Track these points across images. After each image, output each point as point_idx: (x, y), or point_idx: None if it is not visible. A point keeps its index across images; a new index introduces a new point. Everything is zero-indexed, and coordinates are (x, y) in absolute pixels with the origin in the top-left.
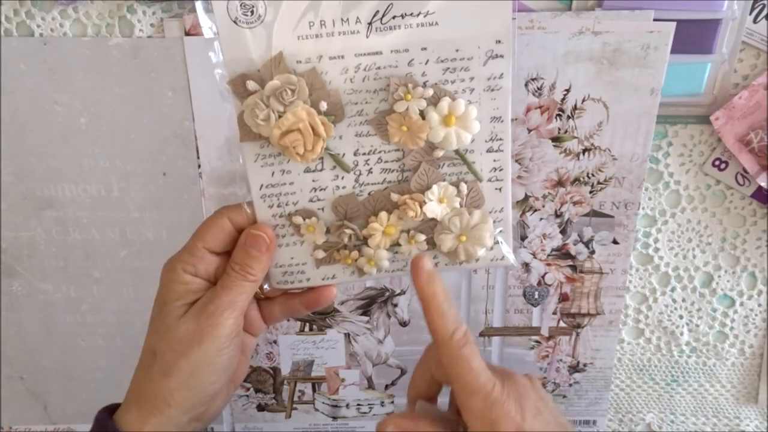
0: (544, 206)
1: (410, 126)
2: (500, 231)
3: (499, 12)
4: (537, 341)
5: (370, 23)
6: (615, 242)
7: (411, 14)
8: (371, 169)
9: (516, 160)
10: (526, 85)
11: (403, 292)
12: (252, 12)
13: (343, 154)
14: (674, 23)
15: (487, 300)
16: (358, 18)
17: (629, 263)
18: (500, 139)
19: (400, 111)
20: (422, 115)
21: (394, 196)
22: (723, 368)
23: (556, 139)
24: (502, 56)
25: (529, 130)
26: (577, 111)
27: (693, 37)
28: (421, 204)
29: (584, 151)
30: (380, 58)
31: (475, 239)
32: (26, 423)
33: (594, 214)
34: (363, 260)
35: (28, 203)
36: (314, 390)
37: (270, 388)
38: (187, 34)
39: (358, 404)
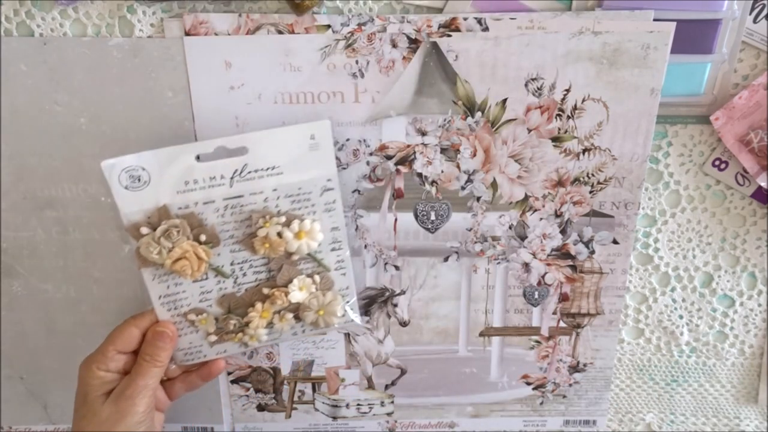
0: (544, 206)
1: (271, 244)
2: (348, 302)
3: (326, 164)
4: (537, 341)
5: (232, 177)
6: (615, 242)
7: (261, 169)
8: (245, 272)
9: (516, 160)
10: (526, 85)
11: (403, 292)
12: (139, 180)
13: (223, 265)
14: (674, 23)
15: (487, 300)
16: (222, 175)
17: (629, 263)
18: (340, 241)
19: (262, 235)
20: (279, 234)
21: (265, 290)
22: (723, 368)
23: (556, 139)
24: (333, 189)
25: (529, 130)
26: (577, 111)
27: (693, 37)
28: (287, 294)
29: (584, 151)
30: (242, 199)
31: (330, 312)
32: (26, 423)
33: (594, 214)
34: (246, 337)
35: (28, 203)
36: (314, 390)
37: (270, 388)
38: (187, 34)
39: (358, 404)
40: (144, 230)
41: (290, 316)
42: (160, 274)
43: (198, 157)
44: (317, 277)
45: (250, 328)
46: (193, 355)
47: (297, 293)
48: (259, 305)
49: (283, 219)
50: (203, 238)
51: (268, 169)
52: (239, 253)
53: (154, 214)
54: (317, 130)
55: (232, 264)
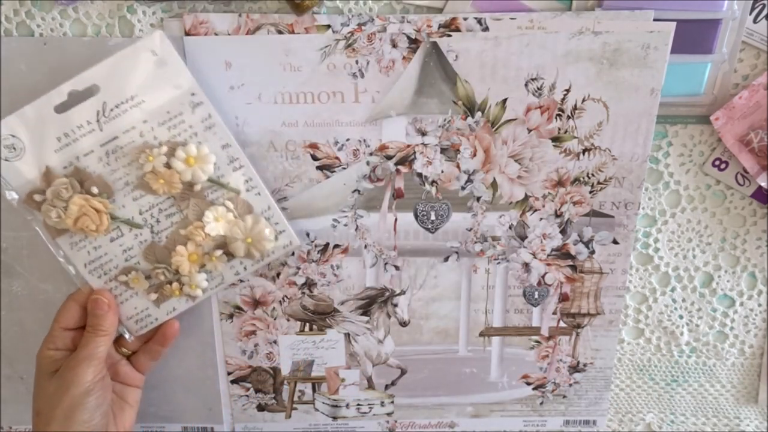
0: (544, 206)
1: (164, 177)
2: (277, 224)
3: (182, 78)
4: (537, 341)
5: (98, 120)
6: (615, 242)
7: (121, 103)
8: (158, 219)
9: (516, 160)
10: (526, 85)
11: (403, 292)
12: (14, 148)
13: (132, 217)
14: (674, 23)
15: (487, 300)
16: (88, 121)
17: (629, 263)
18: (237, 158)
19: (149, 170)
20: (169, 165)
21: (182, 231)
22: (723, 368)
23: (556, 139)
24: (201, 103)
25: (529, 130)
26: (577, 111)
27: (693, 37)
28: (203, 228)
29: (584, 151)
30: (118, 140)
31: (259, 238)
32: (26, 423)
33: (594, 214)
34: (187, 287)
35: None
36: (314, 390)
37: (270, 388)
38: (187, 34)
39: (358, 404)
40: (37, 197)
41: (219, 252)
42: (75, 240)
43: (59, 110)
44: (229, 203)
45: (184, 275)
46: (144, 321)
47: (213, 224)
48: (181, 248)
49: (164, 149)
50: (95, 190)
51: (127, 101)
52: (143, 200)
53: (42, 179)
54: (153, 43)
55: (141, 213)
